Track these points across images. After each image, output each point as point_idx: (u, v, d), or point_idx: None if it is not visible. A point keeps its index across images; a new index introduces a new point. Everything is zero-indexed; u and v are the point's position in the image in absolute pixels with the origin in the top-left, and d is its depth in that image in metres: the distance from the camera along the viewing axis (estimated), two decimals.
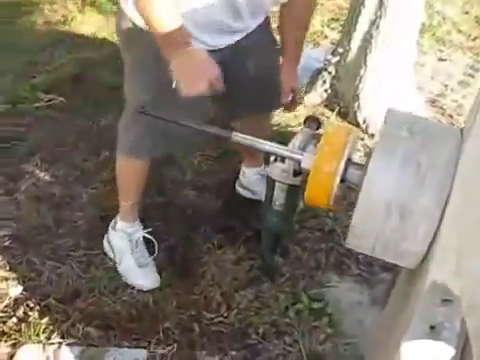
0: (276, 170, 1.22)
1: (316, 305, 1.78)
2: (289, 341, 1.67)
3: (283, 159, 1.20)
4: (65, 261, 1.89)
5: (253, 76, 1.69)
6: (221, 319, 1.74)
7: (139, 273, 1.85)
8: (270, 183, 1.25)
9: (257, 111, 1.87)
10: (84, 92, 2.78)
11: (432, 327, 0.81)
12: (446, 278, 0.88)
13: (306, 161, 1.12)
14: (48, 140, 2.45)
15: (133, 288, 1.82)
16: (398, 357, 0.79)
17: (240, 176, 2.21)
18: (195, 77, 1.34)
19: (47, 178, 2.25)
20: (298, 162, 1.14)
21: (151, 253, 1.90)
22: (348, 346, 1.67)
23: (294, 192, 1.25)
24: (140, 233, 1.91)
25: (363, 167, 1.05)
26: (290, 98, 1.79)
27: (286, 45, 1.76)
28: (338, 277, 1.88)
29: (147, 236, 1.92)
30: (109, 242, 1.93)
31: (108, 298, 1.78)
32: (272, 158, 1.24)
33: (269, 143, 1.20)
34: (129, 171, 1.81)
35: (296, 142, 1.18)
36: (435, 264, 0.91)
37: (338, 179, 1.06)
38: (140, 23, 1.45)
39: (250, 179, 2.15)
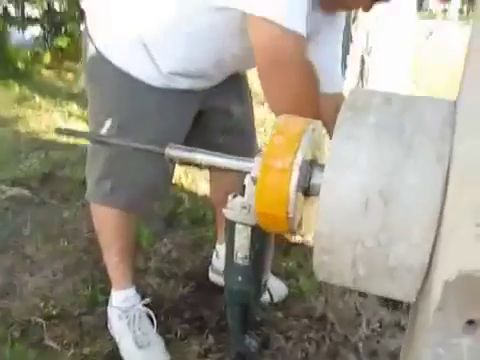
0: (234, 207, 0.93)
1: None
2: None
3: (243, 193, 0.92)
4: None
5: (226, 124, 1.50)
6: None
7: (139, 356, 1.50)
8: (230, 228, 0.95)
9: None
10: (52, 187, 2.59)
11: None
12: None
13: (256, 168, 0.79)
14: (1, 230, 2.18)
15: None
16: None
17: (213, 259, 1.88)
18: None
19: None
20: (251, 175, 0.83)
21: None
22: None
23: (260, 237, 0.94)
24: (137, 306, 1.58)
25: None
26: None
27: None
28: None
29: (147, 310, 1.59)
30: (109, 320, 1.62)
31: None
32: (230, 196, 0.95)
33: (212, 153, 0.92)
34: (106, 221, 1.50)
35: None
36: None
37: (295, 180, 0.75)
38: (104, 50, 1.29)
39: None
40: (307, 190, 0.79)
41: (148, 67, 1.27)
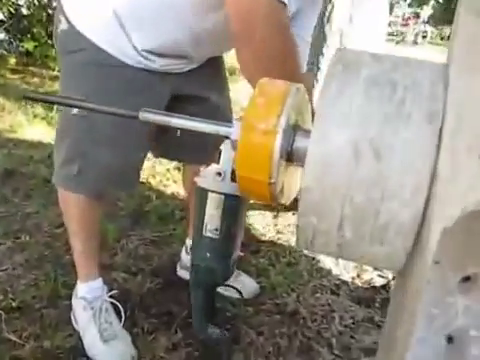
0: (208, 174, 0.88)
1: None
2: None
3: (218, 159, 0.87)
4: None
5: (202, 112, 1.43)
6: None
7: (104, 350, 1.43)
8: (201, 197, 0.89)
9: (194, 162, 1.57)
10: (15, 184, 2.48)
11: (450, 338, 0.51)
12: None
13: (237, 131, 0.74)
14: None
15: None
16: None
17: (182, 254, 1.82)
18: None
19: None
20: (229, 140, 0.79)
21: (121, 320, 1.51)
22: None
23: (233, 208, 0.89)
24: (103, 297, 1.51)
25: None
26: None
27: None
28: None
29: (113, 301, 1.52)
30: (73, 312, 1.54)
31: None
32: (203, 167, 0.90)
33: (188, 117, 0.87)
34: (71, 206, 1.43)
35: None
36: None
37: (279, 142, 0.71)
38: (78, 24, 1.23)
39: None
40: (290, 155, 0.75)
41: (123, 43, 1.22)
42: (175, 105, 1.33)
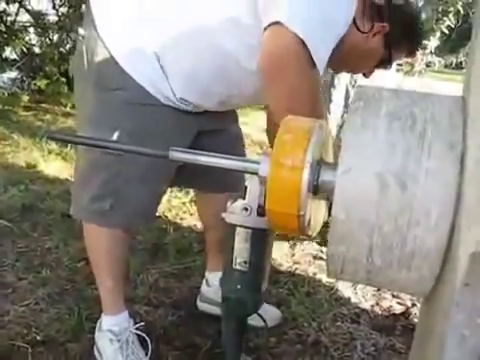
0: (235, 210, 0.92)
1: None
2: None
3: (244, 195, 0.91)
4: None
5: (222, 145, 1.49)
6: None
7: None
8: (229, 233, 0.93)
9: (206, 189, 1.67)
10: (33, 219, 2.52)
11: None
12: None
13: (264, 167, 0.79)
14: None
15: None
16: None
17: (202, 288, 1.84)
18: None
19: None
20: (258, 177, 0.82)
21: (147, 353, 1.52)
22: None
23: (261, 241, 0.93)
24: (130, 329, 1.53)
25: None
26: None
27: None
28: None
29: (139, 333, 1.54)
30: (97, 347, 1.55)
31: None
32: (229, 202, 0.94)
33: (215, 155, 0.91)
34: (99, 242, 1.46)
35: None
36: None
37: (306, 177, 0.74)
38: (121, 61, 1.27)
39: (217, 287, 1.71)
40: (316, 188, 0.78)
41: (163, 86, 1.28)
42: (198, 140, 1.38)
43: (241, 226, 0.91)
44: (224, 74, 1.26)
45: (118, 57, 1.27)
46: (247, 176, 0.92)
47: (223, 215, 0.93)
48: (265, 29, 1.06)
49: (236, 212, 0.91)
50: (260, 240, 0.92)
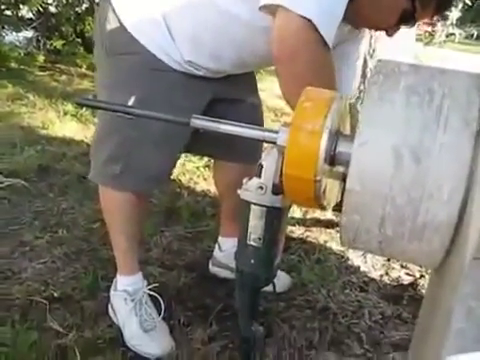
0: (250, 187, 0.93)
1: None
2: None
3: (260, 173, 0.92)
4: None
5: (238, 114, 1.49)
6: None
7: (145, 339, 1.49)
8: (244, 209, 0.94)
9: (222, 157, 1.68)
10: (50, 180, 2.56)
11: None
12: None
13: (283, 136, 0.80)
14: None
15: None
16: None
17: (215, 252, 1.87)
18: None
19: None
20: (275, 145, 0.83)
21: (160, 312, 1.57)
22: None
23: (275, 219, 0.94)
24: (143, 290, 1.58)
25: None
26: None
27: None
28: (337, 358, 1.47)
29: (152, 294, 1.59)
30: (112, 305, 1.60)
31: None
32: (245, 179, 0.95)
33: (236, 123, 0.92)
34: (115, 204, 1.49)
35: None
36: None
37: (325, 142, 0.76)
38: (130, 27, 1.29)
39: (229, 252, 1.77)
40: (332, 158, 0.80)
41: (173, 52, 1.29)
42: (214, 108, 1.38)
43: (256, 204, 0.93)
44: (226, 34, 1.24)
45: (127, 23, 1.29)
46: (263, 155, 0.93)
47: (238, 192, 0.94)
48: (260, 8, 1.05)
49: (251, 190, 0.92)
50: (274, 218, 0.93)
